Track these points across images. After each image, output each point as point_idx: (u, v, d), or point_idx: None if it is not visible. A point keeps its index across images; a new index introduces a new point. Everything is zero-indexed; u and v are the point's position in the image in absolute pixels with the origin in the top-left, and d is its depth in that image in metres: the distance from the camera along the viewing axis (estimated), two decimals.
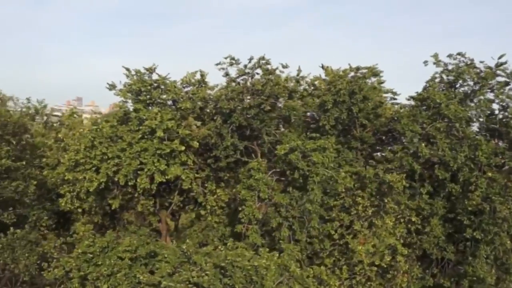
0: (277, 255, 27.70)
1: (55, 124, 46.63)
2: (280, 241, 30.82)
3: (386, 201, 32.49)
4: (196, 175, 36.45)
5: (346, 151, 37.15)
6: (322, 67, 41.37)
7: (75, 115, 45.51)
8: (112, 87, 37.33)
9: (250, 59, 35.81)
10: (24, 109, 43.79)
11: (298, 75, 41.39)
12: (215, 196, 36.90)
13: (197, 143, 34.04)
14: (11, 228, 33.47)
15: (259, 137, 36.49)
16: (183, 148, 33.20)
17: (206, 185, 37.01)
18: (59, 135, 38.17)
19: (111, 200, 35.17)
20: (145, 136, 33.59)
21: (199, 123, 35.07)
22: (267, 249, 28.46)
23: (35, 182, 34.72)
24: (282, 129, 37.55)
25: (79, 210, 36.12)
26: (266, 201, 32.00)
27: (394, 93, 38.88)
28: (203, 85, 37.44)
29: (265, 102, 34.43)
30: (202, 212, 37.56)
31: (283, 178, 33.59)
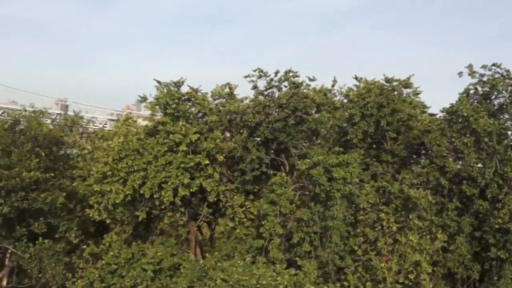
0: (293, 271, 27.95)
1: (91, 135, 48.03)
2: (297, 258, 30.93)
3: (410, 217, 32.31)
4: (225, 187, 37.06)
5: (376, 164, 37.16)
6: (356, 78, 41.43)
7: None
8: (143, 99, 38.39)
9: (276, 73, 36.30)
10: (61, 121, 45.29)
11: (333, 86, 41.61)
12: (243, 208, 37.43)
13: (222, 157, 34.62)
14: (40, 238, 34.75)
15: (288, 150, 36.85)
16: (206, 161, 33.84)
17: (235, 197, 37.56)
18: (88, 147, 39.42)
19: (138, 211, 36.05)
20: (173, 149, 34.40)
21: (222, 136, 35.56)
22: (285, 265, 28.90)
23: (64, 194, 35.84)
24: (311, 142, 37.78)
25: (107, 221, 37.05)
26: (288, 216, 32.31)
27: (424, 106, 38.65)
28: (232, 98, 38.10)
29: (290, 116, 34.80)
30: (231, 224, 38.09)
31: (307, 193, 33.77)
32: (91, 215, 35.66)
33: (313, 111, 36.94)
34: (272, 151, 36.77)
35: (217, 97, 38.78)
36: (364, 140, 37.05)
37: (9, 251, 35.95)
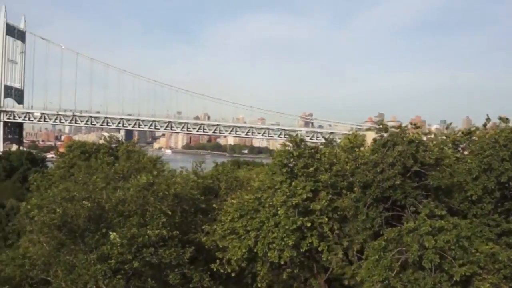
0: None
1: None
2: None
3: None
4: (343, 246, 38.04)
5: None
6: (501, 119, 40.15)
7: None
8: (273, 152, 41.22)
9: (386, 128, 36.57)
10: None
11: (484, 125, 40.86)
12: None
13: (326, 218, 35.76)
14: None
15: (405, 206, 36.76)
16: (309, 224, 35.31)
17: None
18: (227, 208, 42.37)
19: (259, 266, 38.58)
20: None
21: (329, 197, 36.52)
22: None
23: (190, 249, 39.50)
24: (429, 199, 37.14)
25: (233, 274, 40.01)
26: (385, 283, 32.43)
27: None
28: (352, 153, 39.07)
29: (397, 175, 34.73)
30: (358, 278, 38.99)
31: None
32: (214, 269, 39.03)
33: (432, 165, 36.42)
34: (386, 209, 36.77)
35: (347, 148, 40.23)
36: (491, 194, 35.83)
37: None
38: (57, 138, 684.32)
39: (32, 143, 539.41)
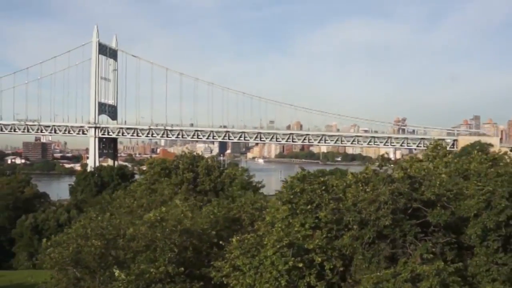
0: None
1: None
2: None
3: None
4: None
5: None
6: None
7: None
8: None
9: (381, 165, 35.83)
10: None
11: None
12: None
13: (319, 258, 35.31)
14: None
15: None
16: (300, 264, 34.96)
17: None
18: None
19: None
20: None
21: (323, 236, 36.02)
22: None
23: (198, 285, 39.85)
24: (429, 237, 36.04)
25: None
26: None
27: None
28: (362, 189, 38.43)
29: (386, 217, 33.89)
30: None
31: None
32: None
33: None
34: (393, 245, 35.96)
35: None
36: (496, 232, 34.35)
37: None
38: (153, 151, 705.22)
39: (129, 156, 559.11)
